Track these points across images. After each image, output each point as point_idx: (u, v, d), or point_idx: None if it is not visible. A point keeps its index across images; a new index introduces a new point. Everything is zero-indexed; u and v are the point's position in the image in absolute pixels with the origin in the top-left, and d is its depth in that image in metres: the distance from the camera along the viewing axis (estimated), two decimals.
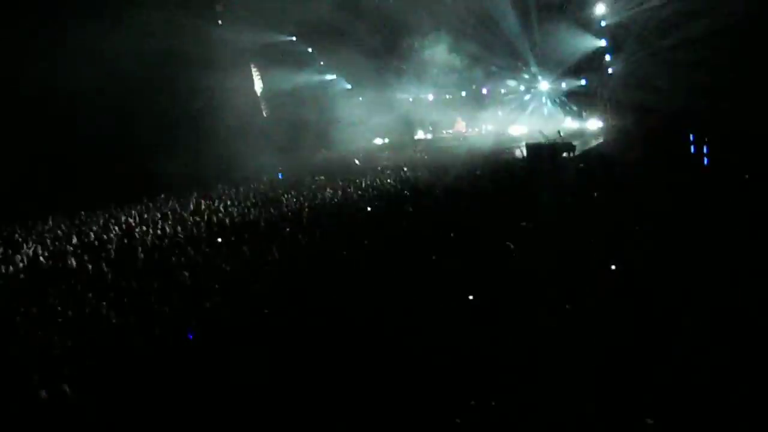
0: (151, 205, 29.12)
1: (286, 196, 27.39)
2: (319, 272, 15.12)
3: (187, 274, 16.12)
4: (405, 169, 31.75)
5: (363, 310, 12.25)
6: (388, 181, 28.99)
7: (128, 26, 30.63)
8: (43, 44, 29.55)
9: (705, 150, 26.29)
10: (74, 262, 19.00)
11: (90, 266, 18.21)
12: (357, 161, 38.42)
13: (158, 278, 16.21)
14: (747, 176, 20.54)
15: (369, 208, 22.89)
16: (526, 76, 38.17)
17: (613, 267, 12.64)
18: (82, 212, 27.32)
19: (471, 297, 11.92)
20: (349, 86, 42.35)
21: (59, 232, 23.92)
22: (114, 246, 20.68)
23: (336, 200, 25.45)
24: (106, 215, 26.90)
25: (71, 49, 29.12)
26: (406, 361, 10.18)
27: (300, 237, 19.08)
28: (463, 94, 41.64)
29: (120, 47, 30.37)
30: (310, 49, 40.58)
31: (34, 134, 29.91)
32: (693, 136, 26.78)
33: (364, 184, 28.35)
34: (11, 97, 29.04)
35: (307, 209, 23.40)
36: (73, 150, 31.10)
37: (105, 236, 22.51)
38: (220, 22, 34.51)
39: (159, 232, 22.13)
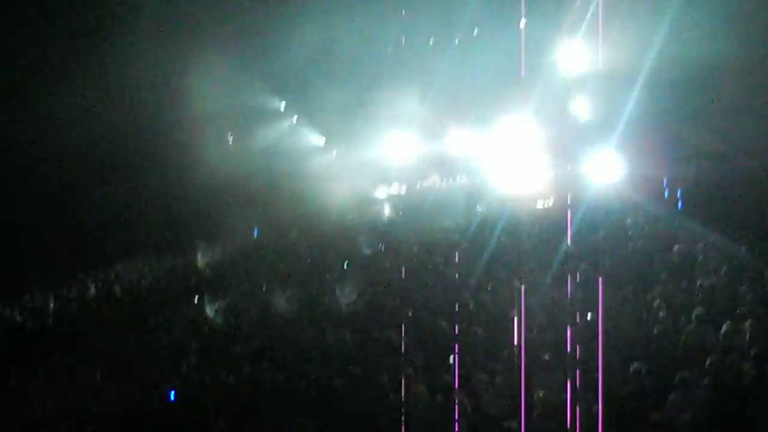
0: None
1: None
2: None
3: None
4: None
5: None
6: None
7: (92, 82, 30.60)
8: None
9: (678, 194, 26.55)
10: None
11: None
12: (332, 216, 38.39)
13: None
14: None
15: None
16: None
17: None
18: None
19: None
20: (322, 141, 42.38)
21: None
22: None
23: None
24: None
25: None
26: None
27: None
28: (437, 146, 41.66)
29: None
30: (282, 104, 40.63)
31: None
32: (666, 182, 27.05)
33: None
34: None
35: None
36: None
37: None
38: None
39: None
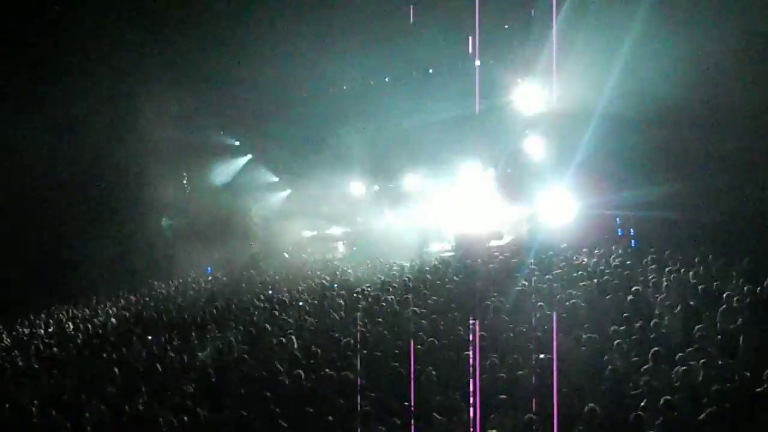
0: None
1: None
2: None
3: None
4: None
5: None
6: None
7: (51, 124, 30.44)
8: None
9: (632, 232, 26.76)
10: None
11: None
12: (286, 254, 38.29)
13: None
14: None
15: None
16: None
17: None
18: None
19: None
20: (276, 179, 42.32)
21: None
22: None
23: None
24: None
25: None
26: None
27: None
28: (390, 185, 41.71)
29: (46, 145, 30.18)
30: (237, 143, 40.58)
31: None
32: (619, 220, 27.25)
33: None
34: None
35: None
36: None
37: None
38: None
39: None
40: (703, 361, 12.21)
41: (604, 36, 25.05)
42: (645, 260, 21.40)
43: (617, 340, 14.04)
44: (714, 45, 21.76)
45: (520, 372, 13.09)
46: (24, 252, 31.94)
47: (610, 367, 12.60)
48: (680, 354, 12.76)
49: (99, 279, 32.10)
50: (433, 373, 13.49)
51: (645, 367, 12.45)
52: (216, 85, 32.97)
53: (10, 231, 31.20)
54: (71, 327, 24.31)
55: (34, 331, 25.64)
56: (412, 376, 13.60)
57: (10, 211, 31.25)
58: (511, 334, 15.54)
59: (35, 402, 14.70)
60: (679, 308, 15.44)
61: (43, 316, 27.93)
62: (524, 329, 15.73)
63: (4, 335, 25.25)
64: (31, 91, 30.09)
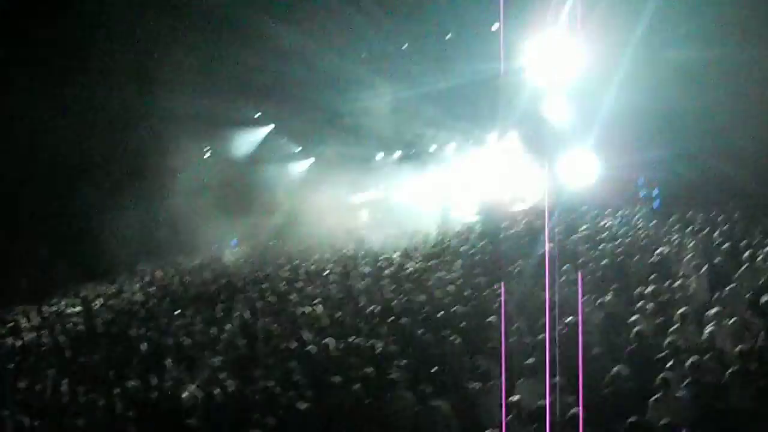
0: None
1: None
2: None
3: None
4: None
5: None
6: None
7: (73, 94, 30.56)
8: None
9: (655, 192, 26.66)
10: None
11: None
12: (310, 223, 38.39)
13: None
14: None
15: None
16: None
17: None
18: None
19: None
20: (298, 148, 42.30)
21: None
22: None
23: None
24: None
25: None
26: None
27: None
28: (413, 152, 41.61)
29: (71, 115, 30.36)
30: (258, 113, 40.52)
31: None
32: (643, 180, 27.15)
33: None
34: None
35: None
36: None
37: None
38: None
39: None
40: (729, 321, 12.19)
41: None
42: (669, 221, 21.28)
43: (642, 302, 14.03)
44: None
45: (544, 336, 13.11)
46: (48, 232, 32.25)
47: (636, 329, 12.60)
48: (706, 314, 12.73)
49: (123, 255, 32.32)
50: (459, 340, 13.54)
51: (671, 328, 12.44)
52: (236, 57, 32.84)
53: (34, 212, 31.51)
54: (98, 304, 24.50)
55: (61, 310, 25.89)
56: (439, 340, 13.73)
57: (33, 192, 31.50)
58: (537, 298, 15.57)
59: (65, 380, 14.90)
60: (704, 268, 15.37)
61: (70, 294, 28.18)
62: (549, 293, 15.73)
63: (32, 314, 25.51)
64: (55, 69, 30.21)
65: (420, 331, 14.28)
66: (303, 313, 17.78)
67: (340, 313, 17.14)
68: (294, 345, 14.95)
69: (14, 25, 28.45)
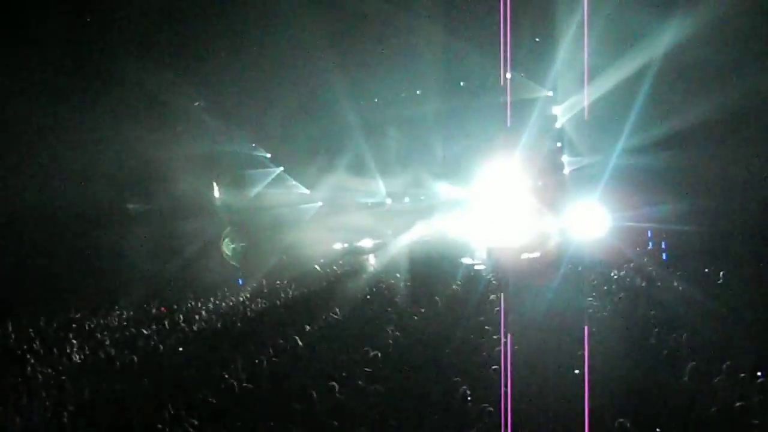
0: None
1: None
2: None
3: None
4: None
5: None
6: None
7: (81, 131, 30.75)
8: None
9: (663, 245, 26.65)
10: None
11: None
12: (317, 267, 38.44)
13: None
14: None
15: None
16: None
17: None
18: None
19: None
20: (307, 191, 42.39)
21: None
22: None
23: None
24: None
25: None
26: None
27: None
28: (422, 198, 41.73)
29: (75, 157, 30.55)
30: (268, 155, 40.69)
31: None
32: (650, 233, 27.16)
33: None
34: None
35: None
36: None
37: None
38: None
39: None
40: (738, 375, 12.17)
41: (635, 53, 25.12)
42: (676, 273, 21.28)
43: (649, 355, 14.00)
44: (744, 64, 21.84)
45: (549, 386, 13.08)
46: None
47: (642, 382, 12.57)
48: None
49: (127, 288, 32.48)
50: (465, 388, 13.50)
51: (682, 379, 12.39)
52: (246, 98, 33.08)
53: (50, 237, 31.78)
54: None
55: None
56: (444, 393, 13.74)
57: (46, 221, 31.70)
58: (543, 348, 15.53)
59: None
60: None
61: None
62: (556, 343, 15.71)
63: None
64: (71, 103, 30.42)
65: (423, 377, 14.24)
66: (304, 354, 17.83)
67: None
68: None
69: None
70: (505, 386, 13.26)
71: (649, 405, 11.93)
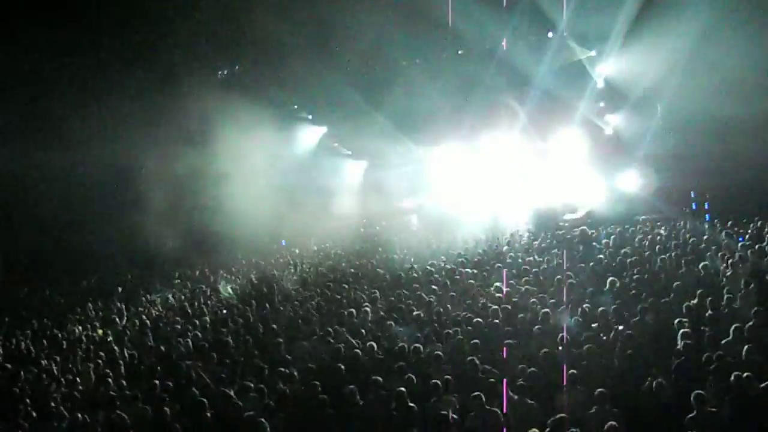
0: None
1: None
2: None
3: None
4: None
5: None
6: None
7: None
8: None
9: (706, 206, 26.44)
10: None
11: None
12: (362, 229, 38.59)
13: None
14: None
15: None
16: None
17: None
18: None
19: None
20: (349, 152, 42.42)
21: None
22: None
23: None
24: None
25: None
26: None
27: None
28: (466, 158, 41.44)
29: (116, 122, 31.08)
30: (310, 116, 40.76)
31: None
32: (694, 194, 26.94)
33: None
34: None
35: None
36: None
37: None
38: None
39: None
40: None
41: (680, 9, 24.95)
42: (719, 233, 21.08)
43: (689, 315, 13.98)
44: None
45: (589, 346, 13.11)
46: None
47: (682, 342, 12.58)
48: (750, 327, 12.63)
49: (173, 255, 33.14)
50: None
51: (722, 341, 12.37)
52: (289, 59, 33.11)
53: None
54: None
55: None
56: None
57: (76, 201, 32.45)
58: (587, 308, 15.55)
59: None
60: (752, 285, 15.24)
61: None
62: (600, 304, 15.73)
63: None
64: (101, 75, 30.91)
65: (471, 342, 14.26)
66: (348, 314, 17.89)
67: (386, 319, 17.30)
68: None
69: None
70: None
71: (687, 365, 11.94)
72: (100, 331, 21.17)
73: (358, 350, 14.60)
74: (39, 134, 32.06)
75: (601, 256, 21.02)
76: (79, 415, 12.76)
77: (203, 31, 31.09)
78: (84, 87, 31.36)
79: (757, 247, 18.43)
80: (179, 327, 19.98)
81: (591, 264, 20.29)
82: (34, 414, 13.30)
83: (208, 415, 12.01)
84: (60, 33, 28.52)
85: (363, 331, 16.51)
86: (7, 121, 31.39)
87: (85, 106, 31.48)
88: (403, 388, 11.90)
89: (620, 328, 13.80)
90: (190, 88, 32.55)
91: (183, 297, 25.71)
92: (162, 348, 17.50)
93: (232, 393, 12.77)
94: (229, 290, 23.32)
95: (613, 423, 9.90)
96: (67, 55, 29.52)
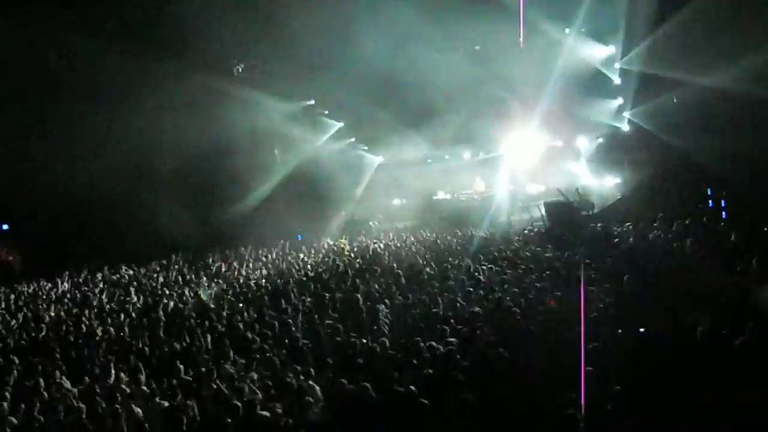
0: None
1: None
2: None
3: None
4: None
5: None
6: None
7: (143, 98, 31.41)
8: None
9: (723, 204, 26.27)
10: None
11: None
12: (372, 223, 38.70)
13: None
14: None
15: None
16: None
17: None
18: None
19: None
20: (365, 147, 42.50)
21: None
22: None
23: None
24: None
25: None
26: None
27: None
28: (481, 154, 41.67)
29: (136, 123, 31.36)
30: (326, 112, 40.82)
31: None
32: (711, 191, 26.77)
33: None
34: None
35: None
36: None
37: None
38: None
39: None
40: None
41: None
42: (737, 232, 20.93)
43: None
44: None
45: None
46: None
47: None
48: None
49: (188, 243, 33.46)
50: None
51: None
52: (309, 58, 33.20)
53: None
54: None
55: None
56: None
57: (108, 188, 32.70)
58: (602, 306, 15.53)
59: None
60: None
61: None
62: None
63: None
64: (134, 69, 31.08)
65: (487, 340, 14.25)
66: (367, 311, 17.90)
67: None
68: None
69: None
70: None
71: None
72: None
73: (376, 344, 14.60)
74: (58, 126, 32.41)
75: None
76: None
77: (221, 25, 31.04)
78: (99, 84, 31.51)
79: None
80: None
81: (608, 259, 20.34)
82: None
83: None
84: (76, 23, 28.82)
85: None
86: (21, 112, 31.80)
87: (100, 102, 31.66)
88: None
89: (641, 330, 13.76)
90: (208, 86, 32.68)
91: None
92: None
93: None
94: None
95: None
96: (79, 47, 29.60)
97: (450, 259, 24.24)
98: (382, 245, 30.25)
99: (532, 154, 38.17)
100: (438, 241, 29.87)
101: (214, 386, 12.94)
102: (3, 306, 24.05)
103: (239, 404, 11.60)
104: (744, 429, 9.42)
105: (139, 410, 12.34)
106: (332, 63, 33.13)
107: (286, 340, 16.08)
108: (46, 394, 13.63)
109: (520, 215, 34.65)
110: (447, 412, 11.06)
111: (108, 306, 22.60)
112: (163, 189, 33.50)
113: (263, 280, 25.26)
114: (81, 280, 28.57)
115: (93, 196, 32.62)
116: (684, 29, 25.67)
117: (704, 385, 10.58)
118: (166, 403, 12.55)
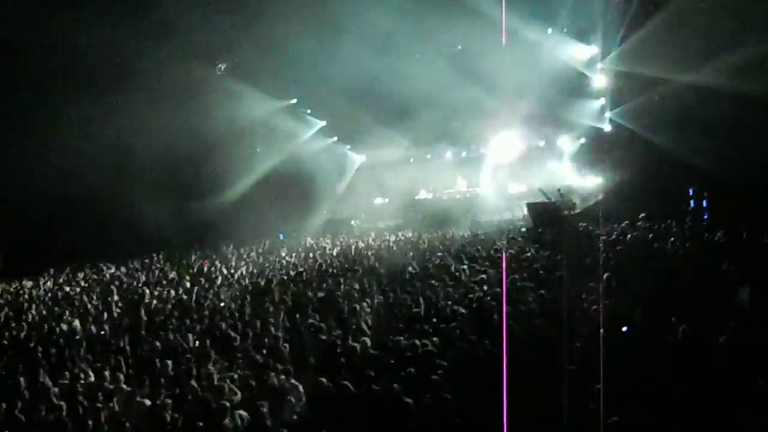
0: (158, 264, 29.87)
1: None
2: None
3: None
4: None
5: None
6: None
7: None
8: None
9: (705, 204, 26.33)
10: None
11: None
12: (354, 222, 38.80)
13: None
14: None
15: None
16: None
17: None
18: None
19: None
20: (347, 146, 42.55)
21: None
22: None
23: None
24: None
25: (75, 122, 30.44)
26: None
27: None
28: (463, 154, 41.81)
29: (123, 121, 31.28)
30: (309, 110, 40.82)
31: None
32: (693, 191, 26.84)
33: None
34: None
35: None
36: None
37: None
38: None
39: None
40: None
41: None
42: (718, 234, 20.95)
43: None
44: None
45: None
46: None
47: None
48: None
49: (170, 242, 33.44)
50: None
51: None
52: (292, 57, 33.20)
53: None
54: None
55: None
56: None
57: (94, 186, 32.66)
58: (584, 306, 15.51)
59: None
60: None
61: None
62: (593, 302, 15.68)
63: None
64: (119, 72, 31.06)
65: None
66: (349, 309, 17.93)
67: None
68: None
69: None
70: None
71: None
72: None
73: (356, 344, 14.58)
74: (37, 122, 32.25)
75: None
76: None
77: (204, 22, 30.95)
78: (78, 80, 31.36)
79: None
80: None
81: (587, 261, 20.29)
82: None
83: None
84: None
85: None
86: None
87: (84, 94, 31.48)
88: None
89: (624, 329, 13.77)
90: (190, 82, 32.62)
91: None
92: None
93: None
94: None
95: None
96: (59, 41, 29.43)
97: (432, 258, 24.21)
98: (363, 244, 30.29)
99: (514, 153, 38.32)
100: (420, 240, 29.91)
101: (196, 385, 12.90)
102: None
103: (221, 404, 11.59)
104: (727, 427, 9.47)
105: (120, 409, 12.30)
106: (315, 62, 33.13)
107: (267, 340, 16.07)
108: (27, 392, 13.56)
109: (501, 215, 34.80)
110: (427, 412, 11.06)
111: (89, 305, 22.42)
112: (145, 187, 33.41)
113: (245, 279, 25.23)
114: (63, 278, 28.43)
115: (74, 195, 32.42)
116: (664, 27, 25.71)
117: (686, 383, 10.63)
118: (148, 402, 12.50)
